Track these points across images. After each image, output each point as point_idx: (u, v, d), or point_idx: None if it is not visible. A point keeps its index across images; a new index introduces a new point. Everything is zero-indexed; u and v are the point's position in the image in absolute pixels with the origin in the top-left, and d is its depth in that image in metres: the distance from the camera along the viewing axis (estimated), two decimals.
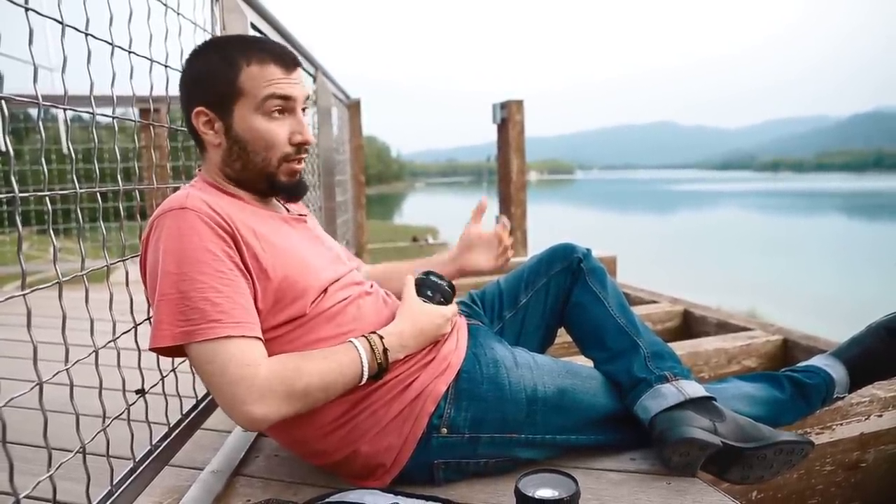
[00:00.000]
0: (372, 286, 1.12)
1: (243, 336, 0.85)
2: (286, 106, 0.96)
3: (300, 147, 0.99)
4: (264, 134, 0.95)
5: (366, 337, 0.96)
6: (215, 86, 0.95)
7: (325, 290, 0.99)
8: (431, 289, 1.06)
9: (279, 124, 0.96)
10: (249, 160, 0.97)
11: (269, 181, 0.99)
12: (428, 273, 1.09)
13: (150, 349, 0.86)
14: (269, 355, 0.91)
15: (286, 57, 0.97)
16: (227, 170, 0.99)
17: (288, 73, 0.96)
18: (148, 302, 0.93)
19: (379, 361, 0.94)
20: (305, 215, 1.12)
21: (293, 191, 1.03)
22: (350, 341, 0.94)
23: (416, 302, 1.03)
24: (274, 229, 0.98)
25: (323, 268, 1.01)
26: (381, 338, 0.96)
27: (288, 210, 1.09)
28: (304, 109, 1.00)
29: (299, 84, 0.99)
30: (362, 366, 0.93)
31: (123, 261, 0.95)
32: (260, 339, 0.88)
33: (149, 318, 0.96)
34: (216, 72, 0.94)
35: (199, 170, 1.05)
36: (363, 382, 0.94)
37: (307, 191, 1.08)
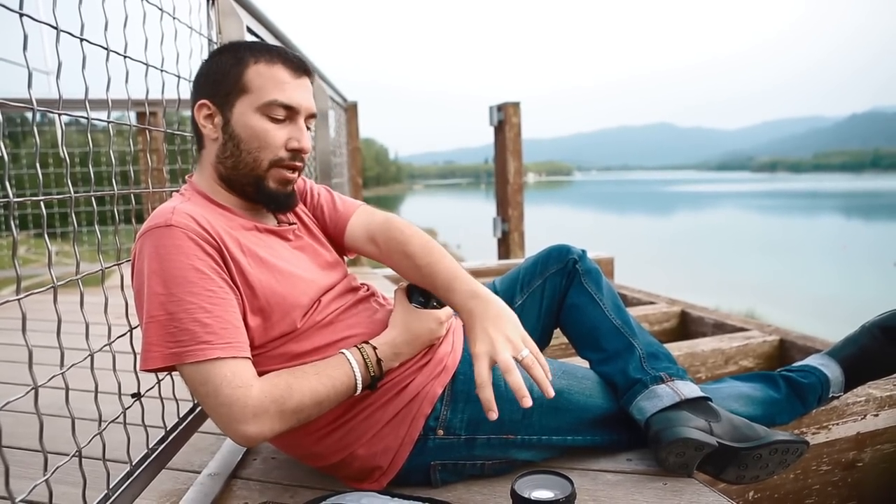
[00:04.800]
0: (367, 289, 1.12)
1: (234, 357, 0.84)
2: (287, 114, 0.95)
3: (295, 154, 0.97)
4: (259, 133, 0.94)
5: (358, 348, 0.95)
6: (220, 80, 0.95)
7: (318, 301, 0.99)
8: (424, 294, 1.05)
9: (277, 127, 0.95)
10: (241, 159, 0.95)
11: (256, 185, 0.97)
12: None
13: (142, 370, 0.86)
14: (264, 366, 0.91)
15: (295, 61, 0.97)
16: (220, 167, 0.98)
17: (295, 77, 0.96)
18: None
19: (372, 373, 0.94)
20: (296, 223, 1.08)
21: (279, 200, 0.99)
22: (342, 353, 0.94)
23: (408, 308, 1.02)
24: (262, 244, 0.97)
25: (314, 280, 1.00)
26: (375, 348, 0.96)
27: (278, 221, 1.06)
28: (308, 124, 0.99)
29: (306, 93, 0.97)
30: (355, 379, 0.92)
31: (118, 264, 0.95)
32: (249, 358, 0.87)
33: None
34: (224, 67, 0.95)
35: (190, 176, 1.04)
36: (357, 394, 0.94)
37: (296, 204, 1.05)
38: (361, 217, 1.14)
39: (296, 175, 0.99)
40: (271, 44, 1.02)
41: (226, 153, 0.96)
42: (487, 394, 0.86)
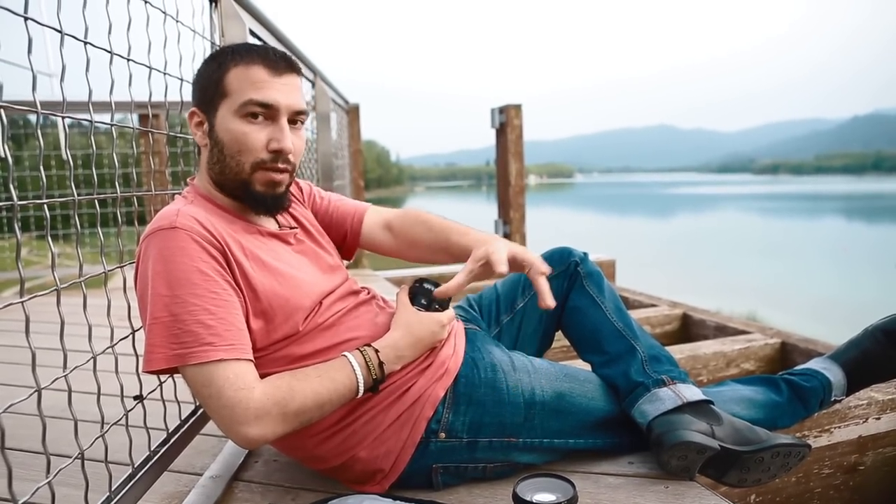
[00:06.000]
0: (368, 293, 1.12)
1: (237, 359, 0.84)
2: (267, 114, 0.93)
3: (277, 155, 0.94)
4: (239, 136, 0.92)
5: (360, 351, 0.95)
6: (206, 86, 0.95)
7: (320, 304, 0.99)
8: (426, 297, 1.05)
9: (256, 129, 0.92)
10: (226, 164, 0.95)
11: (243, 188, 0.96)
12: (422, 281, 1.08)
13: (145, 372, 0.86)
14: (266, 369, 0.91)
15: (276, 59, 0.94)
16: (211, 172, 0.98)
17: (275, 76, 0.93)
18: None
19: (374, 376, 0.94)
20: (297, 227, 1.09)
21: (267, 203, 0.98)
22: (344, 356, 0.94)
23: (410, 311, 1.02)
24: (265, 247, 0.98)
25: (316, 283, 1.01)
26: (377, 351, 0.96)
27: (279, 224, 1.06)
28: (295, 122, 0.96)
29: (289, 90, 0.94)
30: (357, 381, 0.92)
31: (121, 267, 0.95)
32: (252, 360, 0.88)
33: None
34: (208, 73, 0.95)
35: (192, 179, 1.04)
36: (359, 396, 0.94)
37: (285, 205, 1.03)
38: (375, 212, 1.21)
39: (283, 176, 0.97)
40: (257, 44, 1.02)
41: (213, 159, 0.96)
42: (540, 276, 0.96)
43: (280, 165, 0.95)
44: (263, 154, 0.94)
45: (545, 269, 0.98)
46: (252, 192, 0.96)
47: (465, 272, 0.99)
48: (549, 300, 0.95)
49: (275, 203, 0.99)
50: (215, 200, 0.99)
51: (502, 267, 0.95)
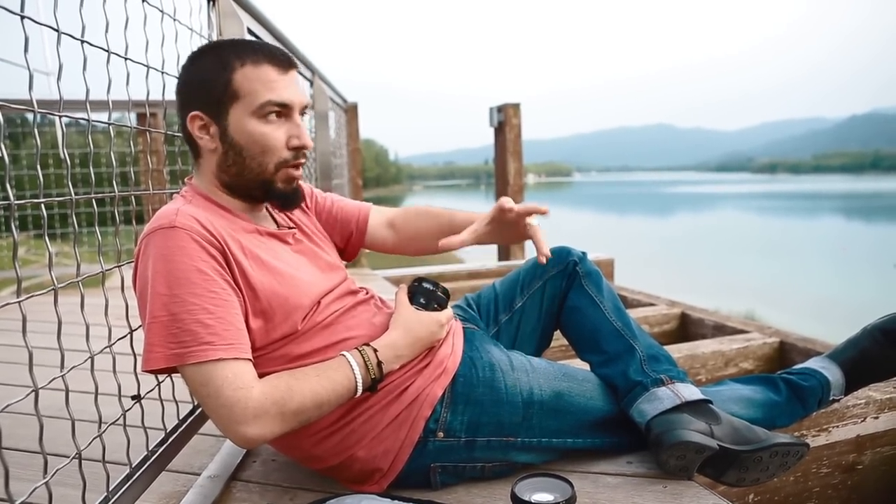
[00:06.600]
0: (367, 293, 1.12)
1: (235, 358, 0.84)
2: (283, 112, 0.94)
3: (298, 152, 0.96)
4: (259, 138, 0.93)
5: (359, 350, 0.95)
6: (210, 89, 0.93)
7: (318, 303, 0.99)
8: (425, 296, 1.05)
9: (275, 128, 0.94)
10: (245, 165, 0.95)
11: (265, 188, 0.97)
12: (421, 280, 1.08)
13: (144, 371, 0.86)
14: (264, 368, 0.91)
15: (281, 57, 0.95)
16: (223, 176, 0.97)
17: (283, 73, 0.94)
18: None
19: (373, 375, 0.94)
20: (294, 228, 1.09)
21: (289, 199, 1.00)
22: (343, 355, 0.94)
23: (409, 310, 1.03)
24: (264, 246, 0.98)
25: (314, 282, 1.01)
26: (375, 350, 0.96)
27: (277, 223, 1.07)
28: (302, 114, 0.98)
29: (296, 86, 0.96)
30: (356, 381, 0.92)
31: (119, 266, 0.95)
32: (251, 359, 0.88)
33: None
34: (210, 74, 0.93)
35: (190, 178, 1.03)
36: (357, 396, 0.94)
37: (302, 200, 1.05)
38: (378, 212, 1.24)
39: (300, 171, 1.00)
40: (253, 40, 1.01)
41: (228, 162, 0.95)
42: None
43: (300, 161, 0.98)
44: (285, 153, 0.95)
45: (543, 208, 1.03)
46: (274, 190, 0.98)
47: (469, 230, 1.03)
48: (545, 250, 0.99)
49: (296, 196, 1.01)
50: (215, 199, 0.99)
51: (510, 205, 1.00)
